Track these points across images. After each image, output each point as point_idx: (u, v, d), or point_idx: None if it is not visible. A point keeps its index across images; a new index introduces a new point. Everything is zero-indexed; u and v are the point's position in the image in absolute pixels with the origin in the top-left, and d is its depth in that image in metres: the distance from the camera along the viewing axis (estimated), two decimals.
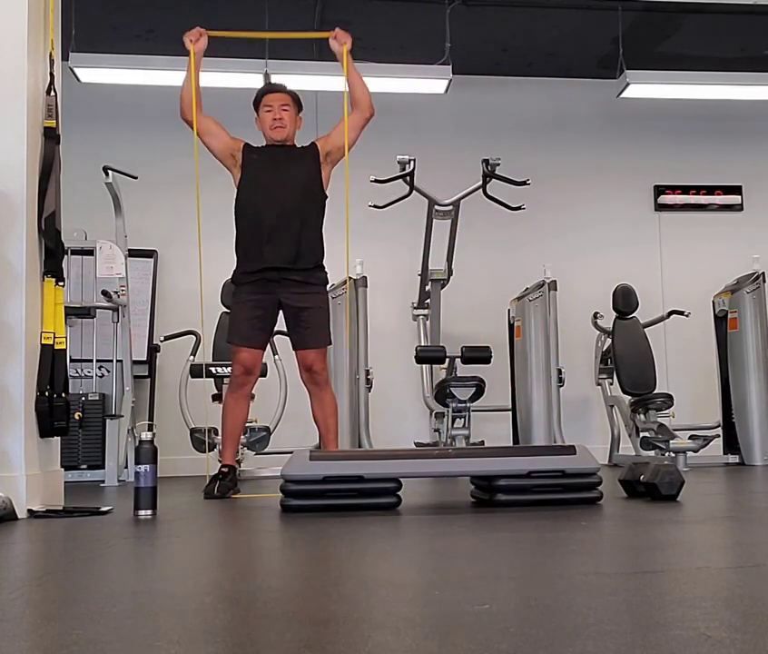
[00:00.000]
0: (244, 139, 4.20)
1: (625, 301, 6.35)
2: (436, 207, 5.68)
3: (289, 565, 2.22)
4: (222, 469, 4.03)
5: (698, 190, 7.35)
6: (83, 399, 5.62)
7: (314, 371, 4.04)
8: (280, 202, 3.99)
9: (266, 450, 5.47)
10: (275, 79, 6.02)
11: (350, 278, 5.81)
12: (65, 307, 3.69)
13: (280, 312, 4.11)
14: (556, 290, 6.13)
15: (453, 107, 6.98)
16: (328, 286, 4.23)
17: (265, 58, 5.91)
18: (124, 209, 5.63)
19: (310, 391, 4.13)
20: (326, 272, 4.17)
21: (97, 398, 5.71)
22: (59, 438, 3.60)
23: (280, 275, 3.99)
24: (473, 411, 5.72)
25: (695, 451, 5.66)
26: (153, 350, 6.36)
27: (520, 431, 6.19)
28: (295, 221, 4.00)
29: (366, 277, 6.02)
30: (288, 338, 4.07)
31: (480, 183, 5.52)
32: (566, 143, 7.25)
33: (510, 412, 6.37)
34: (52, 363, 3.43)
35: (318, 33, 4.06)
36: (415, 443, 6.19)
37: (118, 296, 5.48)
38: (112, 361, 5.75)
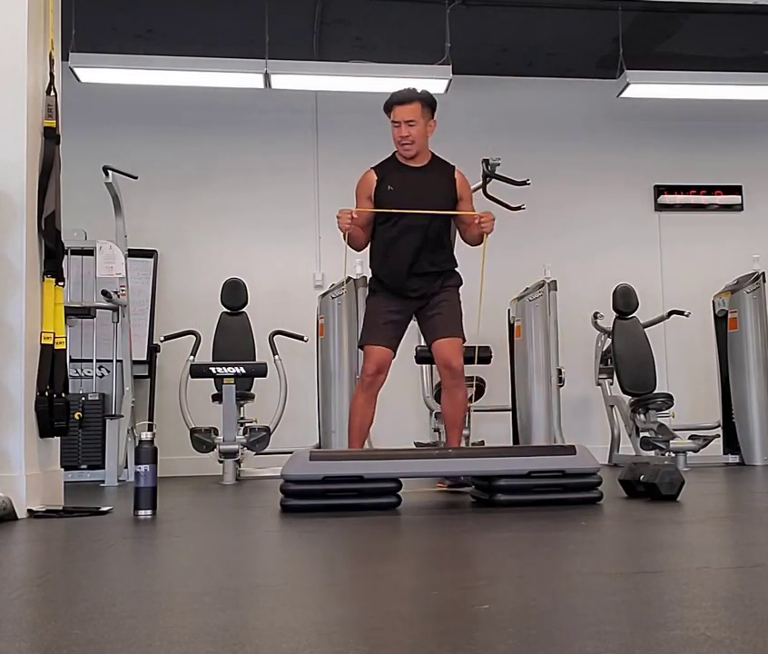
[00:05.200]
0: (373, 164, 4.17)
1: (624, 301, 6.35)
2: None
3: (289, 565, 2.22)
4: None
5: (698, 190, 7.34)
6: (83, 399, 5.62)
7: (453, 366, 4.05)
8: (414, 233, 4.04)
9: (266, 450, 5.47)
10: (275, 79, 6.05)
11: (350, 278, 5.81)
12: (65, 307, 3.69)
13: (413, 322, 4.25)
14: (556, 290, 6.12)
15: (453, 107, 6.96)
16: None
17: (265, 58, 5.91)
18: (124, 209, 5.62)
19: (445, 386, 4.16)
20: (458, 276, 4.26)
21: (97, 398, 5.71)
22: (59, 438, 3.60)
23: (413, 299, 4.13)
24: (473, 411, 5.72)
25: (695, 451, 5.66)
26: (153, 350, 6.35)
27: (520, 431, 6.18)
28: (429, 249, 4.07)
29: (366, 277, 6.01)
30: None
31: (480, 183, 5.51)
32: (566, 143, 7.25)
33: (510, 412, 6.36)
34: (52, 363, 3.43)
35: (462, 212, 4.11)
36: (415, 443, 6.18)
37: (118, 296, 5.48)
38: (112, 361, 5.75)
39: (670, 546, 2.29)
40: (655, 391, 6.06)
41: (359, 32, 6.41)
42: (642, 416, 6.02)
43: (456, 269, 4.25)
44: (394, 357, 4.20)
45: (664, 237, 7.32)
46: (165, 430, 5.46)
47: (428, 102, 4.10)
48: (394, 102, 4.08)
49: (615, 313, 6.35)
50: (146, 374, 6.33)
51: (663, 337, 6.86)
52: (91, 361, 5.86)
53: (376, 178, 4.10)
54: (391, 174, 4.11)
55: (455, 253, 4.33)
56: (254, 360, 5.81)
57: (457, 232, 4.31)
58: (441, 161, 4.20)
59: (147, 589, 1.85)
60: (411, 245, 4.05)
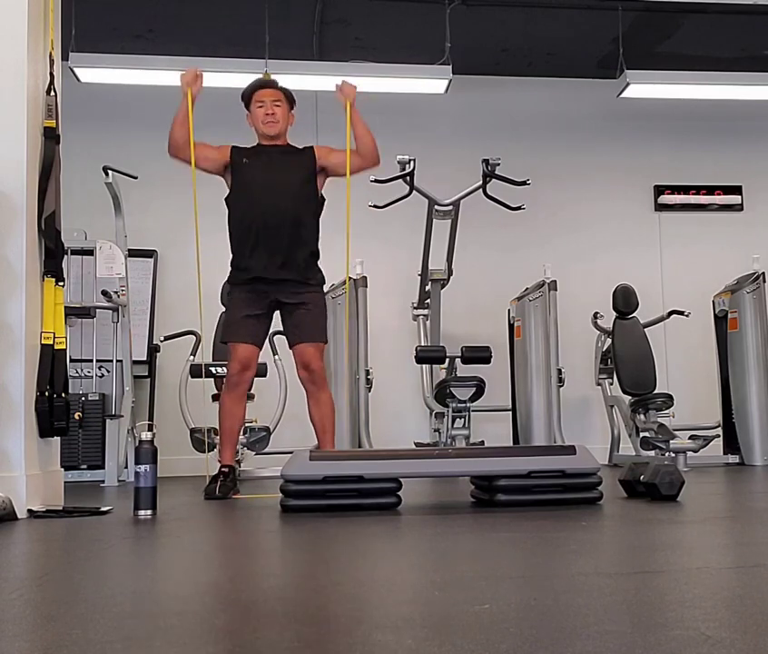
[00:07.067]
0: (232, 143, 4.17)
1: (625, 301, 6.35)
2: (436, 207, 5.68)
3: (289, 565, 2.22)
4: (223, 469, 4.03)
5: (698, 190, 7.34)
6: (83, 399, 5.62)
7: (312, 368, 4.00)
8: (270, 206, 3.95)
9: (266, 450, 5.47)
10: (275, 79, 6.05)
11: (350, 278, 5.81)
12: (65, 307, 3.69)
13: (276, 312, 4.10)
14: (556, 290, 6.13)
15: (453, 107, 6.98)
16: (325, 287, 4.20)
17: (265, 58, 5.91)
18: (124, 209, 5.62)
19: (307, 391, 4.10)
20: (322, 273, 4.14)
21: (97, 398, 5.71)
22: (59, 438, 3.60)
23: (272, 283, 3.99)
24: (473, 411, 5.73)
25: (695, 451, 5.66)
26: (153, 350, 6.35)
27: (520, 431, 6.18)
28: (287, 225, 3.95)
29: (366, 277, 6.02)
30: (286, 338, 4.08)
31: (480, 183, 5.52)
32: (566, 143, 7.25)
33: (510, 412, 6.37)
34: (52, 363, 3.43)
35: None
36: (415, 443, 6.19)
37: (118, 296, 5.48)
38: (112, 361, 5.74)
39: (670, 546, 2.29)
40: (655, 391, 6.06)
41: (359, 32, 6.41)
42: (642, 416, 6.02)
43: (319, 269, 4.12)
44: (260, 351, 4.11)
45: (664, 237, 7.32)
46: (165, 430, 5.46)
47: (289, 97, 4.14)
48: (257, 87, 4.13)
49: (615, 313, 6.36)
50: (146, 374, 6.33)
51: (663, 337, 6.86)
52: (91, 361, 5.86)
53: (231, 150, 4.11)
54: (248, 152, 4.10)
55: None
56: None
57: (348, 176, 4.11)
58: (301, 147, 4.16)
59: (147, 589, 1.85)
60: (262, 217, 3.94)
